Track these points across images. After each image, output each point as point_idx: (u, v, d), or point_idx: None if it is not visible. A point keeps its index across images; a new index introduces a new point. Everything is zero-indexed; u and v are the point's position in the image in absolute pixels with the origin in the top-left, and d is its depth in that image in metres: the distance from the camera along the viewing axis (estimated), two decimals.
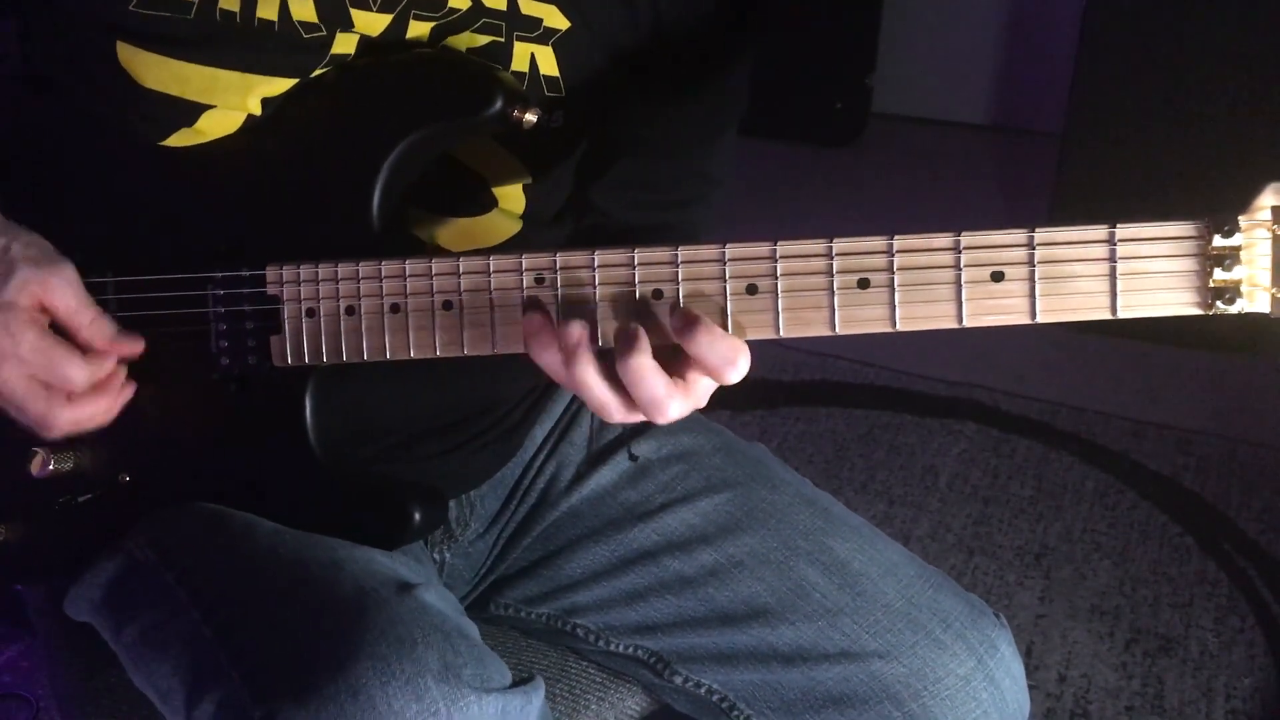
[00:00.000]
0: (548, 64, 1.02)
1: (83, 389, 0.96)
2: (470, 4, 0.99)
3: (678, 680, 1.14)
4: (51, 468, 1.03)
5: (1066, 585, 2.33)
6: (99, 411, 0.98)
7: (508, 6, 0.99)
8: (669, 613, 1.14)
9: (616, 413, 0.89)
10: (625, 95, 1.08)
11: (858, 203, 4.02)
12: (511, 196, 1.09)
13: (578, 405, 1.25)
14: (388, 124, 0.98)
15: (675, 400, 0.87)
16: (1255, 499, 2.58)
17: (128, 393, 0.99)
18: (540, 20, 1.00)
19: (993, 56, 4.59)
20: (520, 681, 0.94)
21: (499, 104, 0.95)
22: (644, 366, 0.85)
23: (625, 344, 0.85)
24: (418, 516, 1.00)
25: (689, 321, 0.86)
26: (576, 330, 0.86)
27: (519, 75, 1.01)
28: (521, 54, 1.01)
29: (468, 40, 1.00)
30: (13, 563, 1.09)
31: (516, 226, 1.10)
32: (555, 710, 1.17)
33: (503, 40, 1.00)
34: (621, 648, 1.17)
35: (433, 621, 0.91)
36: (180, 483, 1.05)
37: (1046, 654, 2.16)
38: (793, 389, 2.89)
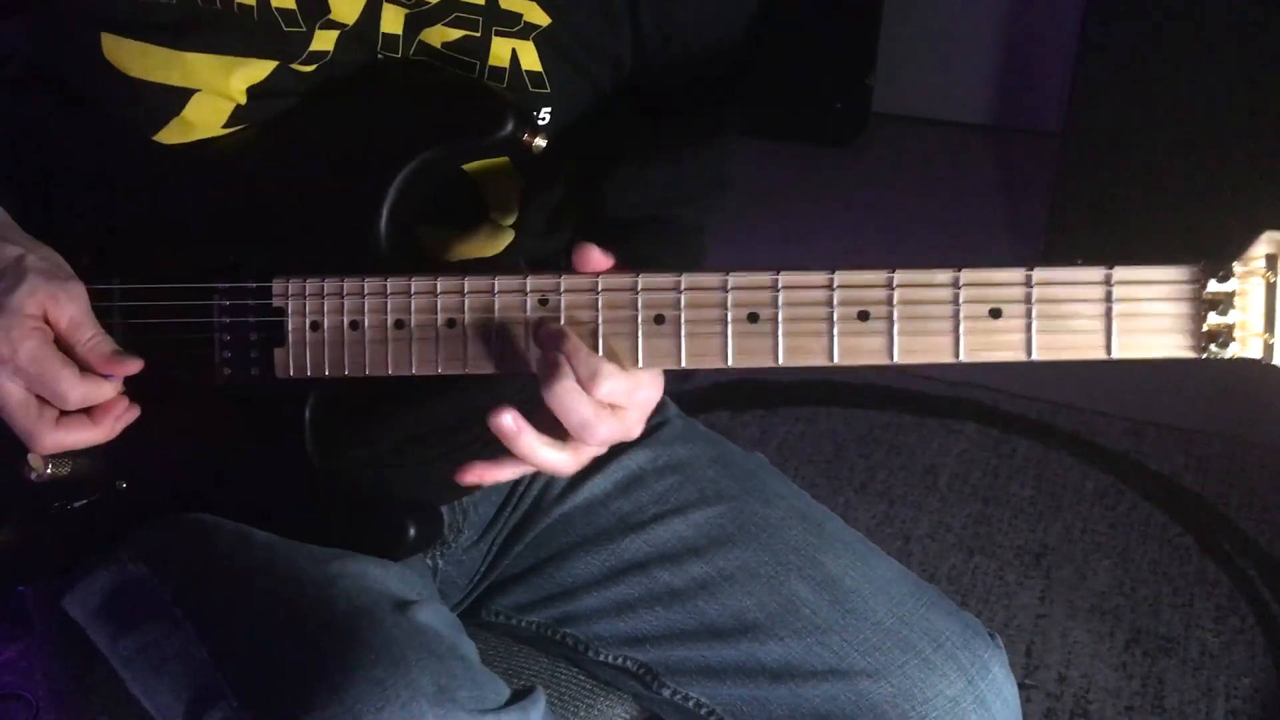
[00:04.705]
0: (530, 59, 1.01)
1: (74, 407, 0.95)
2: None
3: (665, 693, 1.13)
4: (49, 472, 1.02)
5: (1066, 585, 2.33)
6: (88, 437, 0.97)
7: (486, 1, 0.99)
8: (658, 625, 1.13)
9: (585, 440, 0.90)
10: (609, 98, 1.07)
11: (858, 203, 4.02)
12: (505, 204, 1.09)
13: None
14: (397, 144, 0.98)
15: (605, 423, 0.89)
16: (1255, 499, 2.58)
17: (128, 417, 0.98)
18: (520, 15, 1.00)
19: (993, 56, 4.59)
20: (518, 695, 0.94)
21: (509, 128, 0.96)
22: (568, 390, 0.88)
23: (548, 371, 0.88)
24: (413, 532, 1.00)
25: (555, 335, 0.88)
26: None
27: (499, 70, 1.01)
28: (501, 49, 1.00)
29: (440, 34, 1.00)
30: (5, 566, 1.09)
31: (509, 237, 1.10)
32: None
33: (478, 35, 1.00)
34: (610, 658, 1.16)
35: (427, 643, 0.91)
36: (177, 491, 1.05)
37: (1046, 654, 2.16)
38: (792, 389, 2.89)
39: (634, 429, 0.93)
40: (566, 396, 0.87)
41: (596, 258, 0.90)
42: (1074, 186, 3.31)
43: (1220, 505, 2.56)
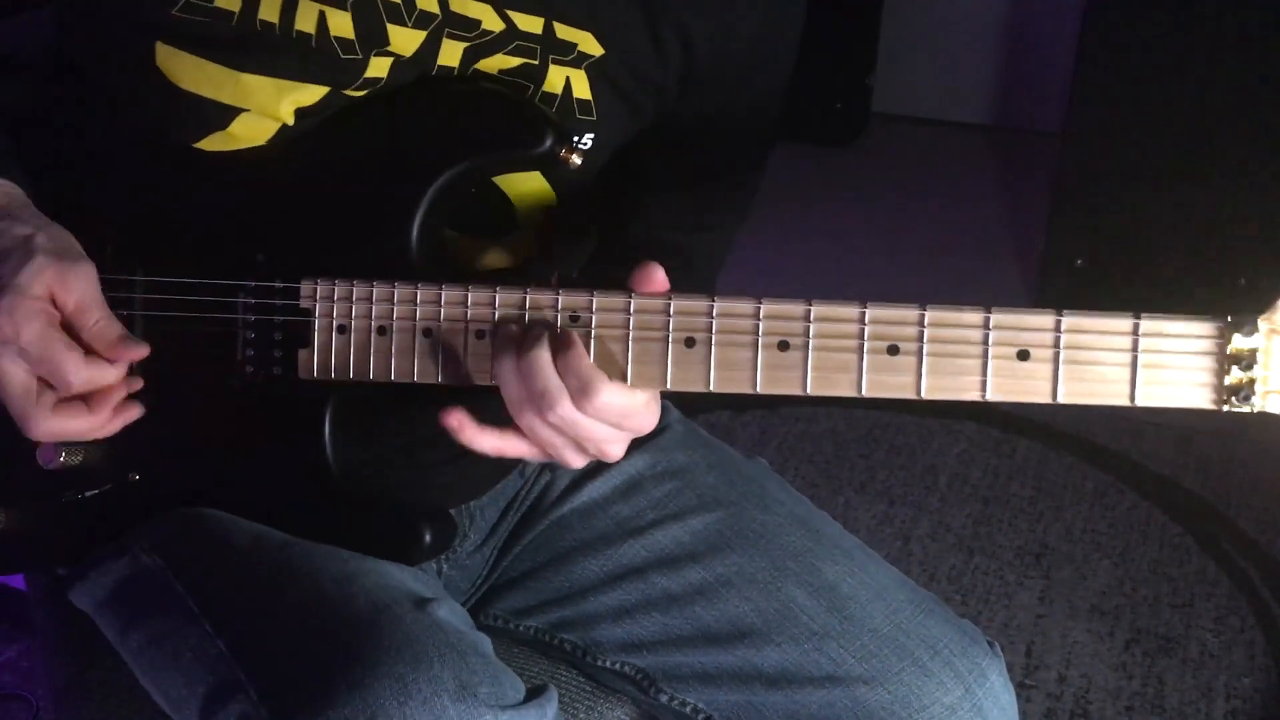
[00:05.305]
0: (581, 87, 1.02)
1: (76, 391, 0.94)
2: (504, 26, 0.99)
3: (663, 698, 1.13)
4: (62, 459, 1.02)
5: (1066, 585, 2.33)
6: (86, 427, 0.96)
7: (543, 30, 1.00)
8: (655, 631, 1.13)
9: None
10: (652, 128, 1.08)
11: (858, 203, 4.02)
12: (532, 217, 1.09)
13: None
14: (435, 153, 0.98)
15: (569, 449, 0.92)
16: (1255, 499, 2.58)
17: (131, 414, 0.98)
18: (575, 45, 1.01)
19: (993, 56, 4.59)
20: (534, 693, 0.94)
21: (548, 143, 0.97)
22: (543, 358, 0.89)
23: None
24: (428, 538, 1.00)
25: (563, 342, 0.89)
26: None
27: (550, 96, 1.02)
28: (556, 76, 1.01)
29: (500, 62, 1.01)
30: (10, 551, 1.09)
31: (533, 250, 1.10)
32: None
33: (536, 62, 1.01)
34: (608, 664, 1.16)
35: (448, 639, 0.91)
36: (190, 487, 1.05)
37: (1046, 654, 2.16)
38: None
39: (613, 449, 0.94)
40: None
41: (660, 278, 0.90)
42: (1074, 186, 3.31)
43: (1220, 505, 2.56)
